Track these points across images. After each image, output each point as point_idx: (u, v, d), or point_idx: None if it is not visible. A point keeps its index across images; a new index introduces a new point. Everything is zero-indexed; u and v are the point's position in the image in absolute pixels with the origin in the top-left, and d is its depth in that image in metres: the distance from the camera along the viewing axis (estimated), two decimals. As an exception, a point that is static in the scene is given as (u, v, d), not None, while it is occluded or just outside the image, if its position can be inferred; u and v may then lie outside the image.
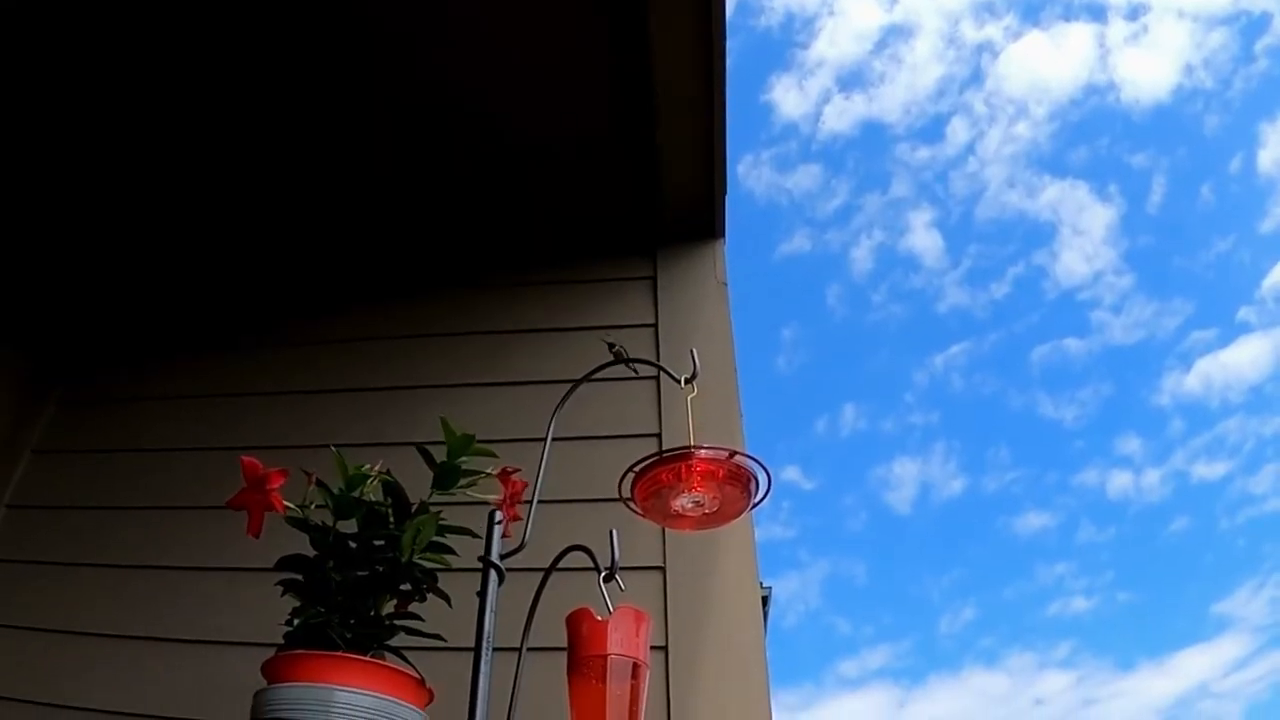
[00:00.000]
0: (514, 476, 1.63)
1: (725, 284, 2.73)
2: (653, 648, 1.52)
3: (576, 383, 1.80)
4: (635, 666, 1.42)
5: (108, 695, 2.28)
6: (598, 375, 1.80)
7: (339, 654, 1.47)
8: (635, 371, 1.81)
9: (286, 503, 1.53)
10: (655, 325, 2.62)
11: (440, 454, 1.61)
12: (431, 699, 1.54)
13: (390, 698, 1.44)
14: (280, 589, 1.59)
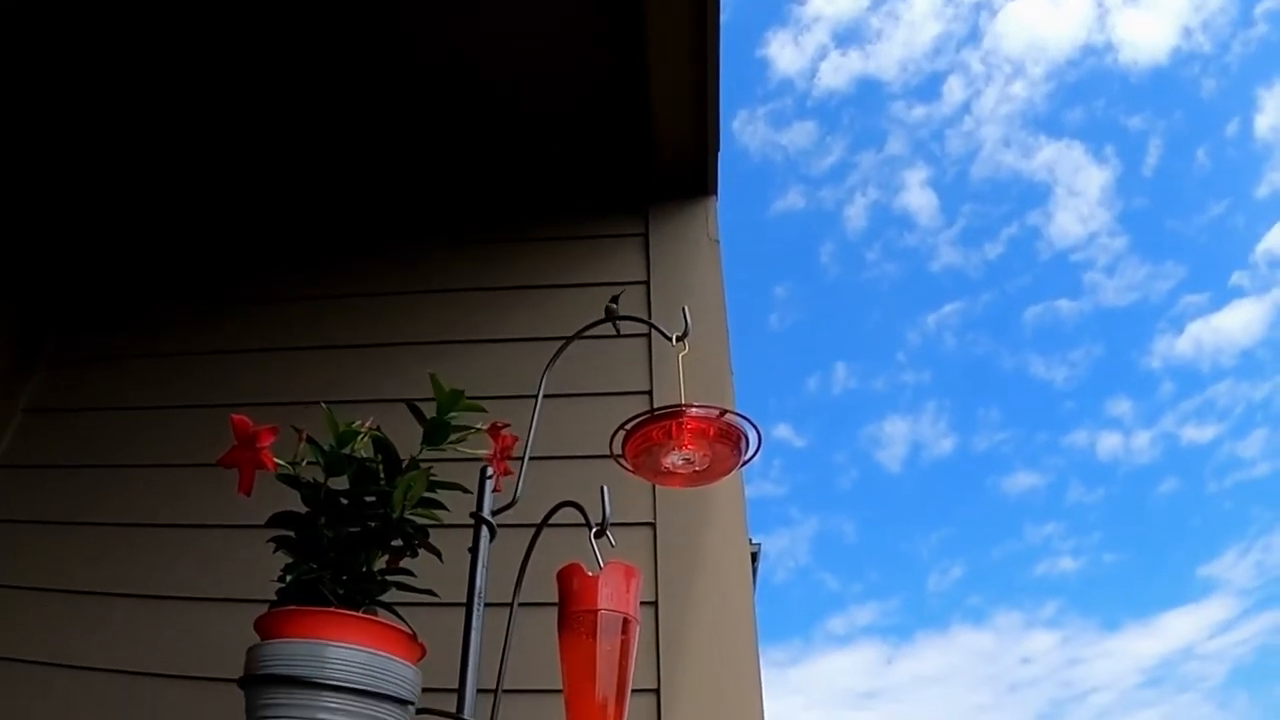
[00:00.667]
0: (504, 431, 1.63)
1: (717, 241, 2.72)
2: (643, 603, 1.53)
3: (567, 340, 1.80)
4: (625, 621, 1.43)
5: (105, 653, 2.29)
6: (589, 333, 1.79)
7: (331, 610, 1.47)
8: (618, 330, 1.80)
9: (277, 460, 1.53)
10: (647, 283, 2.62)
11: (430, 410, 1.61)
12: (424, 654, 1.55)
13: (382, 652, 1.45)
14: (272, 546, 1.60)
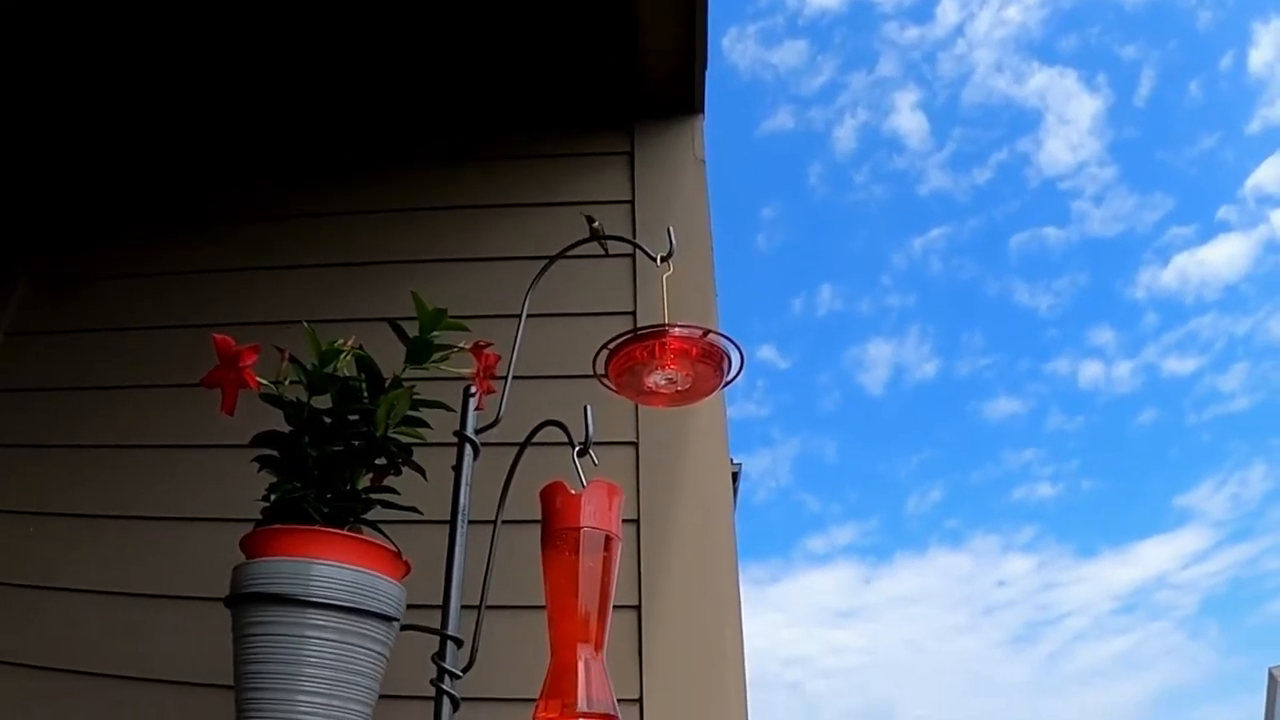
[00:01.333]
0: (487, 350, 1.63)
1: (703, 161, 2.70)
2: (625, 521, 1.54)
3: (551, 259, 1.79)
4: (607, 539, 1.45)
5: (90, 575, 2.30)
6: (573, 252, 1.78)
7: (316, 528, 1.48)
8: (605, 249, 1.79)
9: (260, 379, 1.53)
10: (632, 202, 2.60)
11: (413, 329, 1.61)
12: (408, 571, 1.57)
13: (367, 570, 1.47)
14: (256, 465, 1.61)
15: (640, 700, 1.97)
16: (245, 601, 1.43)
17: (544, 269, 1.79)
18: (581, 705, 1.37)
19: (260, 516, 1.54)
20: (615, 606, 1.46)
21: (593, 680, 1.39)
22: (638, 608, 2.04)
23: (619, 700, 1.43)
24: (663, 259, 1.62)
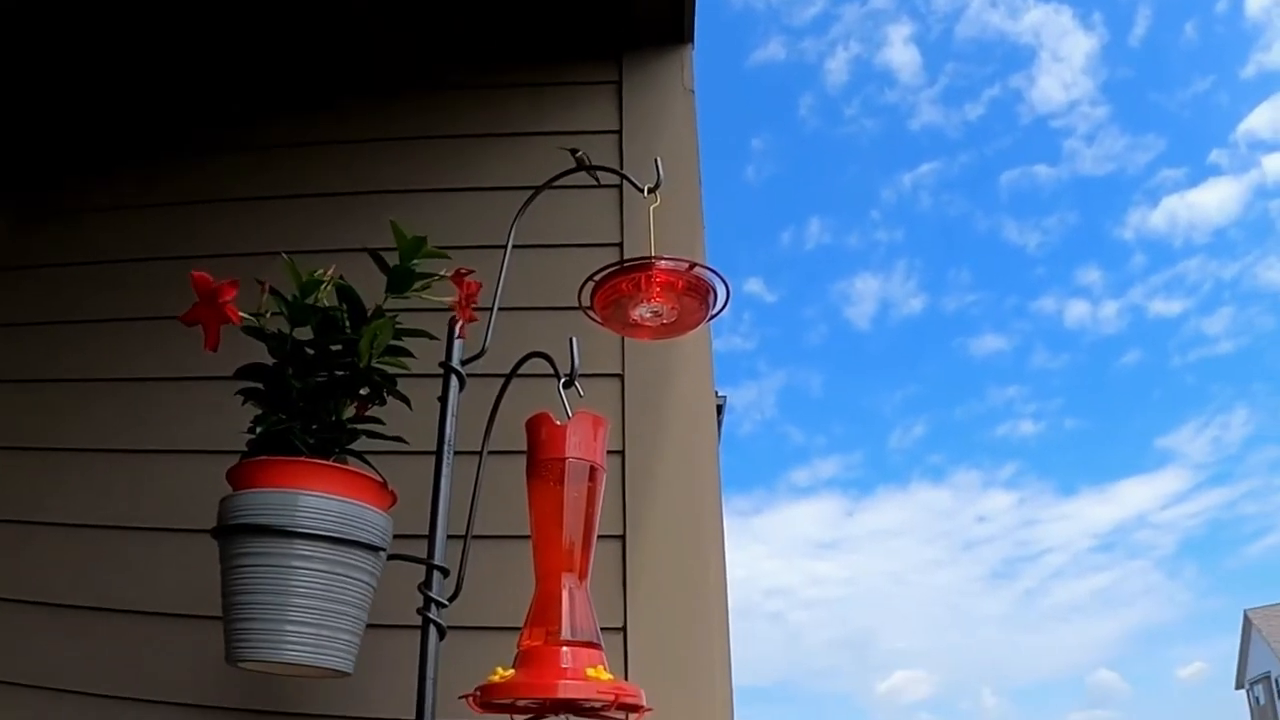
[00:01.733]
0: (468, 278, 1.62)
1: (692, 91, 2.67)
2: (609, 452, 1.55)
3: (537, 189, 1.78)
4: (592, 470, 1.46)
5: (76, 509, 2.31)
6: (559, 183, 1.77)
7: (302, 459, 1.49)
8: (597, 180, 1.78)
9: (241, 313, 1.52)
10: (619, 132, 2.57)
11: (394, 260, 1.60)
12: (394, 501, 1.58)
13: (354, 500, 1.47)
14: (241, 398, 1.60)
15: (624, 629, 1.99)
16: (232, 533, 1.44)
17: (530, 199, 1.78)
18: (566, 634, 1.39)
19: (246, 449, 1.54)
20: (599, 536, 1.48)
21: (577, 609, 1.41)
22: (622, 538, 2.06)
23: (602, 629, 1.45)
24: (650, 190, 1.62)
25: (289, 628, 1.39)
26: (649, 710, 1.44)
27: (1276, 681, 45.96)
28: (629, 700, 1.37)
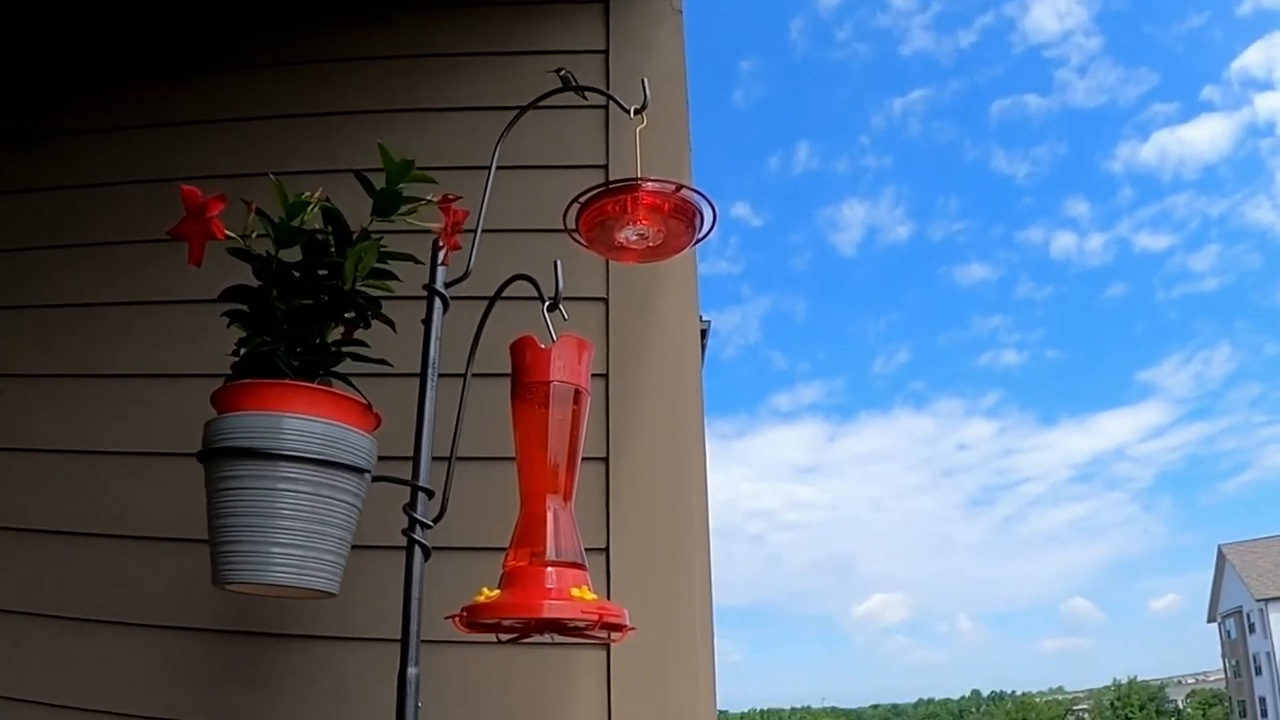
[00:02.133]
0: (454, 205, 1.61)
1: (680, 12, 2.63)
2: (593, 375, 1.55)
3: (522, 110, 1.76)
4: (576, 393, 1.46)
5: (61, 434, 2.31)
6: (545, 103, 1.75)
7: (286, 381, 1.49)
8: (584, 97, 1.76)
9: (228, 232, 1.51)
10: (606, 52, 2.53)
11: (380, 182, 1.58)
12: (379, 423, 1.58)
13: (338, 422, 1.48)
14: (225, 320, 1.60)
15: (607, 549, 2.02)
16: (217, 456, 1.44)
17: (514, 119, 1.76)
18: (550, 554, 1.41)
19: (230, 371, 1.54)
20: (583, 459, 1.49)
21: (561, 530, 1.42)
22: (605, 460, 2.07)
23: (586, 549, 1.47)
24: (636, 111, 1.60)
25: (275, 550, 1.40)
26: (632, 629, 1.46)
27: (1248, 616, 47.03)
28: (612, 620, 1.39)
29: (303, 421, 1.44)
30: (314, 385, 1.51)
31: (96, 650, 2.13)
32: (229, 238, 1.51)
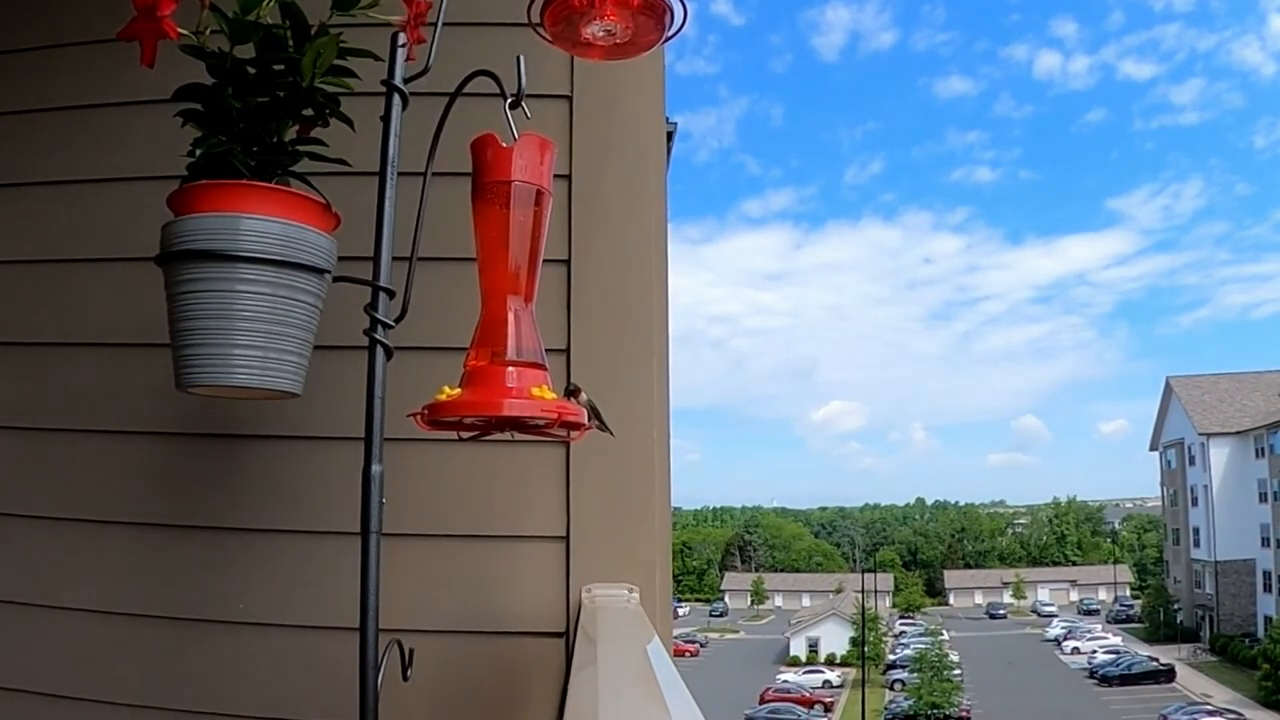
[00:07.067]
0: (418, -5, 1.56)
1: None
2: (556, 176, 1.53)
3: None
4: (538, 193, 1.45)
5: (13, 245, 2.27)
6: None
7: (243, 181, 1.47)
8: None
9: (180, 29, 1.46)
10: None
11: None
12: (338, 223, 1.57)
13: (297, 223, 1.47)
14: (180, 120, 1.56)
15: (568, 350, 2.05)
16: (176, 259, 1.44)
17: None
18: (511, 354, 1.42)
19: (186, 173, 1.51)
20: (545, 260, 1.49)
21: (522, 331, 1.44)
22: (567, 262, 2.08)
23: (546, 350, 1.48)
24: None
25: (237, 351, 1.41)
26: (589, 428, 1.50)
27: (1189, 448, 48.68)
28: (571, 418, 1.42)
29: (261, 222, 1.43)
30: (272, 185, 1.49)
31: (67, 459, 2.18)
32: (182, 35, 1.46)
